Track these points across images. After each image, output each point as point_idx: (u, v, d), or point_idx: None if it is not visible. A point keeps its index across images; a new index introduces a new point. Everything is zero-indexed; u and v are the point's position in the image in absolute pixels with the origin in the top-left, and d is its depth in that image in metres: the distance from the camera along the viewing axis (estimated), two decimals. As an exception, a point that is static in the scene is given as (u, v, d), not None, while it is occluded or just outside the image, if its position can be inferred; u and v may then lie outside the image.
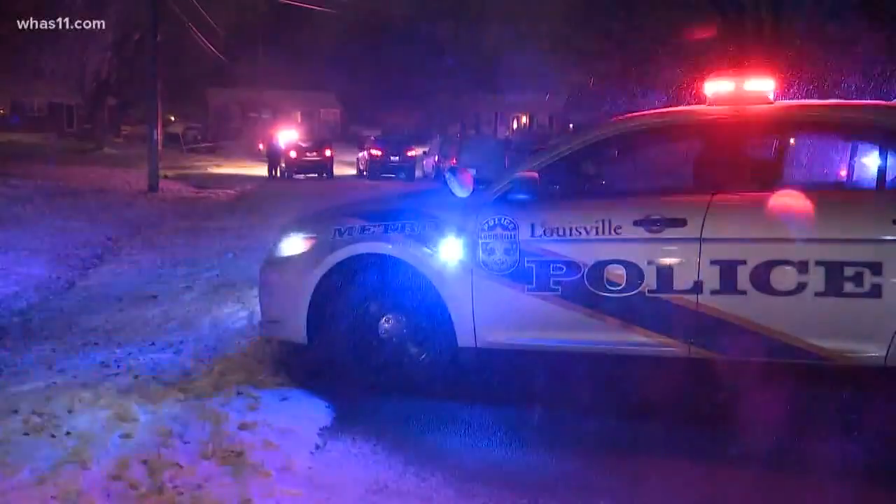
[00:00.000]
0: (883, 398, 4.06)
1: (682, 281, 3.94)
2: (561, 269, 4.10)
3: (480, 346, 4.29)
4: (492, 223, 4.22)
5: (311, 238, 4.63)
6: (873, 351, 3.75)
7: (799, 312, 3.82)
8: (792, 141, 4.64)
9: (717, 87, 4.29)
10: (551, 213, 4.18)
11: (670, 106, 4.61)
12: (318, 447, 3.69)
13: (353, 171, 33.43)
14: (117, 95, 38.47)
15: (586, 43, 24.92)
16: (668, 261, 3.98)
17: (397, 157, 30.22)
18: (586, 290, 4.06)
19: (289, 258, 4.70)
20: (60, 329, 5.74)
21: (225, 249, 9.55)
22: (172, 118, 44.65)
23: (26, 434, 3.53)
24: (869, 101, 5.07)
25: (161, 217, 13.65)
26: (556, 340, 4.19)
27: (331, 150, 31.00)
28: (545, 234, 4.13)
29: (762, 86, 4.20)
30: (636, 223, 4.02)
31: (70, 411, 3.81)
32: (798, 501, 3.28)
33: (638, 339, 4.05)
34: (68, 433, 3.53)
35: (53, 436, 3.50)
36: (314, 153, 30.54)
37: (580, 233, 4.08)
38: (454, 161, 22.24)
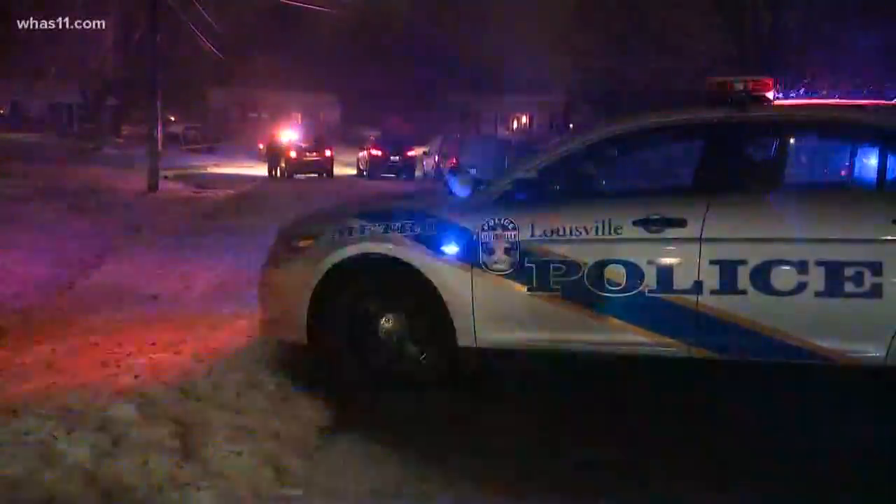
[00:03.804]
0: (883, 398, 4.06)
1: (682, 281, 3.94)
2: (561, 269, 4.10)
3: (480, 346, 4.29)
4: (492, 223, 4.22)
5: (312, 238, 4.63)
6: (873, 351, 3.75)
7: (799, 312, 3.82)
8: (792, 141, 4.64)
9: (716, 87, 4.28)
10: (551, 212, 4.18)
11: (670, 106, 4.60)
12: (317, 448, 3.69)
13: (353, 171, 33.41)
14: (118, 95, 38.46)
15: (587, 43, 24.96)
16: (668, 261, 3.99)
17: (397, 157, 30.21)
18: (586, 290, 4.06)
19: (289, 258, 4.70)
20: (60, 329, 5.73)
21: (225, 249, 9.55)
22: (172, 118, 44.55)
23: (26, 434, 3.52)
24: (868, 102, 5.07)
25: (161, 217, 13.64)
26: (556, 340, 4.20)
27: (331, 150, 31.00)
28: (545, 234, 4.13)
29: (762, 86, 4.20)
30: (636, 223, 4.02)
31: (70, 412, 3.81)
32: (797, 501, 3.28)
33: (638, 339, 4.05)
34: (68, 433, 3.53)
35: (54, 436, 3.50)
36: (314, 153, 30.53)
37: (580, 233, 4.08)
38: (454, 161, 22.23)
